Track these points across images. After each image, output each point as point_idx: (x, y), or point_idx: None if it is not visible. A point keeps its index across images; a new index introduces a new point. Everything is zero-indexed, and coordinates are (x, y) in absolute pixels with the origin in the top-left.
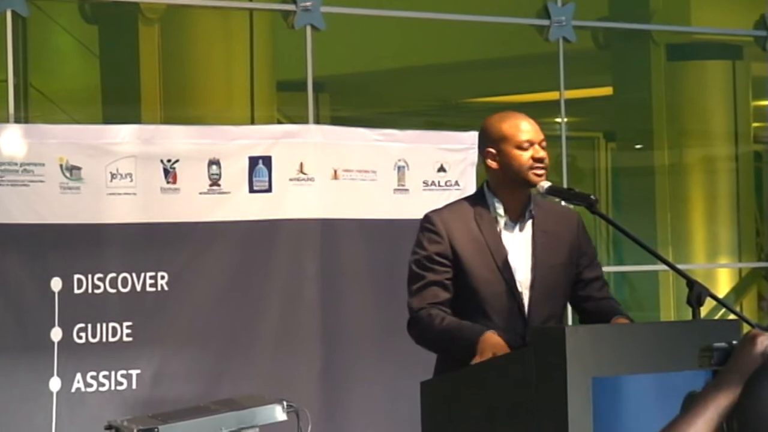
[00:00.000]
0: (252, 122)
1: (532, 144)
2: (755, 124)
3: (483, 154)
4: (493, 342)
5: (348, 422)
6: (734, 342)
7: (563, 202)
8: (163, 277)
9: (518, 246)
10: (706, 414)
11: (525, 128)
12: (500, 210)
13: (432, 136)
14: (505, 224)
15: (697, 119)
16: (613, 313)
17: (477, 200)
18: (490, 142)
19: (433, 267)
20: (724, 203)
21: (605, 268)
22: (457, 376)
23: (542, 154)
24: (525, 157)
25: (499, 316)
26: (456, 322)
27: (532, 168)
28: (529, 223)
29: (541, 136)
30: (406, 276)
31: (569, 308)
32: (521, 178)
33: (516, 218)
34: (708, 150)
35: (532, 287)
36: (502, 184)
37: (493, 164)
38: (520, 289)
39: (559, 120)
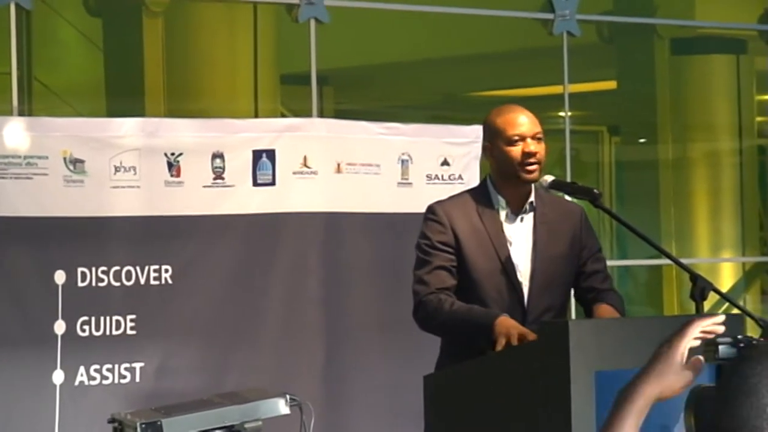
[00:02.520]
0: (256, 115)
1: (523, 138)
2: (759, 119)
3: (482, 148)
4: (509, 325)
5: (351, 416)
6: (738, 336)
7: (567, 197)
8: (167, 271)
9: (519, 238)
10: (636, 406)
11: (516, 122)
12: (502, 203)
13: (435, 130)
14: (507, 216)
15: (701, 113)
16: (609, 303)
17: (480, 192)
18: (487, 137)
19: (437, 253)
20: (727, 197)
21: (608, 262)
22: (460, 370)
23: (532, 148)
24: (515, 152)
25: (498, 307)
26: (466, 306)
27: (522, 163)
28: (530, 216)
29: (536, 130)
30: (409, 269)
31: (573, 301)
32: (512, 174)
33: (517, 211)
34: (712, 144)
35: (532, 279)
36: (499, 178)
37: (490, 159)
38: (520, 279)
39: (562, 114)
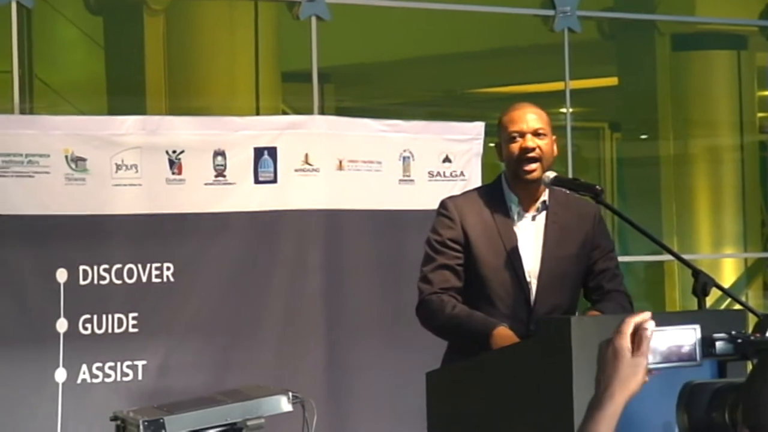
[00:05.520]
0: (257, 113)
1: (522, 135)
2: (760, 114)
3: (495, 146)
4: (505, 336)
5: (353, 412)
6: (733, 332)
7: (568, 192)
8: (168, 268)
9: (529, 236)
10: (607, 413)
11: (515, 119)
12: (514, 200)
13: (437, 127)
14: (518, 214)
15: (702, 109)
16: (599, 310)
17: (493, 189)
18: (498, 135)
19: (445, 251)
20: (729, 193)
21: None
22: (463, 366)
23: (530, 144)
24: (514, 148)
25: (504, 304)
26: (466, 311)
27: (519, 160)
28: (542, 215)
29: (536, 126)
30: (411, 266)
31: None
32: (513, 171)
33: (529, 209)
34: (713, 140)
35: (540, 277)
36: (510, 175)
37: (499, 158)
38: (527, 278)
39: (564, 110)
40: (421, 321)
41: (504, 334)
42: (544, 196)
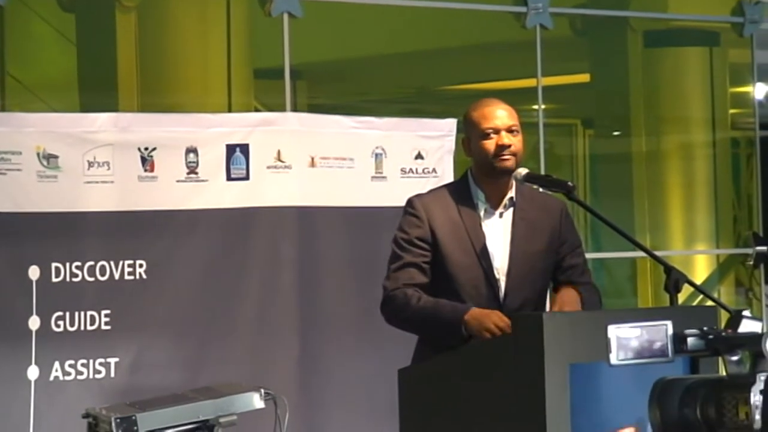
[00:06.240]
0: (229, 110)
1: (497, 131)
2: (732, 111)
3: (462, 142)
4: (481, 318)
5: (325, 409)
6: (704, 329)
7: (541, 189)
8: (141, 266)
9: (497, 233)
10: None
11: (490, 116)
12: (481, 197)
13: (409, 124)
14: (486, 211)
15: (675, 106)
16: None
17: (460, 186)
18: (465, 131)
19: (411, 249)
20: (701, 190)
21: None
22: (435, 363)
23: (506, 140)
24: (489, 145)
25: (473, 301)
26: (432, 301)
27: (496, 156)
28: (510, 211)
29: (510, 122)
30: (384, 263)
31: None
32: (488, 167)
33: (496, 206)
34: (685, 136)
35: (509, 274)
36: (478, 172)
37: (468, 153)
38: (496, 275)
39: (536, 107)
40: (386, 318)
41: (478, 316)
42: (511, 192)
